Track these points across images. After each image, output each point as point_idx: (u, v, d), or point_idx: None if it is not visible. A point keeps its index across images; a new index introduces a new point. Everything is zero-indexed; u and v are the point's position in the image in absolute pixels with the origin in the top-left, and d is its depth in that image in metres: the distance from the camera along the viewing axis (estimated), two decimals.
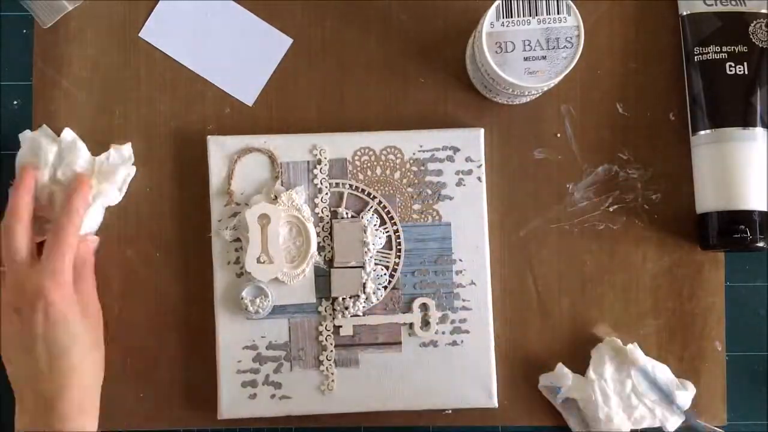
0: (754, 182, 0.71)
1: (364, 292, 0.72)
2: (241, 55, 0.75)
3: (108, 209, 0.74)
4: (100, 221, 0.74)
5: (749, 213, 0.71)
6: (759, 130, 0.71)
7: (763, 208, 0.72)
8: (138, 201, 0.75)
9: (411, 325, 0.72)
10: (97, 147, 0.74)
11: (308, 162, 0.72)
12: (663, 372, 0.72)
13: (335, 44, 0.75)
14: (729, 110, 0.72)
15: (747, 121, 0.71)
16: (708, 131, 0.72)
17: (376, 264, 0.72)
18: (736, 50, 0.72)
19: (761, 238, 0.71)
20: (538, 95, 0.72)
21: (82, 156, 0.72)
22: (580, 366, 0.74)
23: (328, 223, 0.72)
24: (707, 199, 0.73)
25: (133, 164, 0.74)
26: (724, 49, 0.72)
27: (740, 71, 0.72)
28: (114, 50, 0.75)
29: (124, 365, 0.74)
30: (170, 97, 0.75)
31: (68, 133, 0.73)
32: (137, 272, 0.74)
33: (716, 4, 0.73)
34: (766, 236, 0.72)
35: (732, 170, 0.71)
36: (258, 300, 0.71)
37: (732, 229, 0.71)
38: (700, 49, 0.73)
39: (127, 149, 0.73)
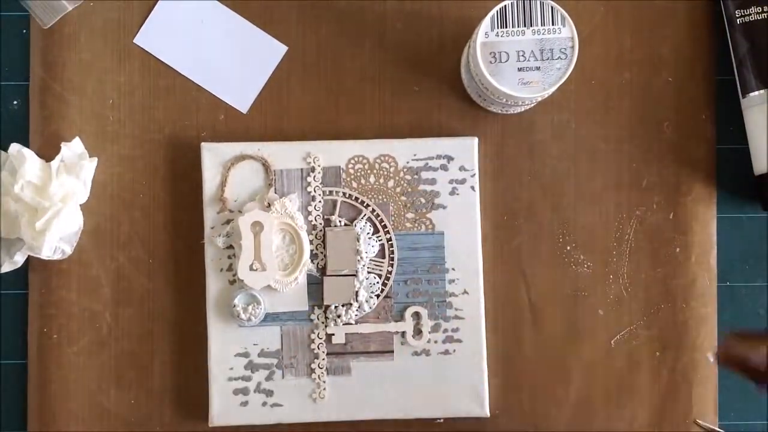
0: None
1: (357, 301, 0.72)
2: (236, 62, 0.75)
3: (101, 215, 0.74)
4: (81, 221, 0.73)
5: None
6: None
7: None
8: (130, 207, 0.74)
9: (403, 334, 0.72)
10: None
11: (302, 170, 0.72)
12: None
13: (330, 52, 0.75)
14: None
15: None
16: (760, 92, 0.72)
17: (368, 272, 0.72)
18: None
19: None
20: (532, 105, 0.73)
21: (33, 164, 0.72)
22: (570, 377, 0.74)
23: (321, 231, 0.72)
24: (764, 161, 0.73)
25: (90, 157, 0.74)
26: (766, 8, 0.72)
27: None
28: (108, 56, 0.75)
29: (115, 372, 0.74)
30: (164, 104, 0.75)
31: (13, 147, 0.72)
32: (129, 278, 0.74)
33: None
34: None
35: None
36: (250, 307, 0.71)
37: None
38: (742, 11, 0.73)
39: (77, 144, 0.73)
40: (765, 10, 0.72)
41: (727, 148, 0.76)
